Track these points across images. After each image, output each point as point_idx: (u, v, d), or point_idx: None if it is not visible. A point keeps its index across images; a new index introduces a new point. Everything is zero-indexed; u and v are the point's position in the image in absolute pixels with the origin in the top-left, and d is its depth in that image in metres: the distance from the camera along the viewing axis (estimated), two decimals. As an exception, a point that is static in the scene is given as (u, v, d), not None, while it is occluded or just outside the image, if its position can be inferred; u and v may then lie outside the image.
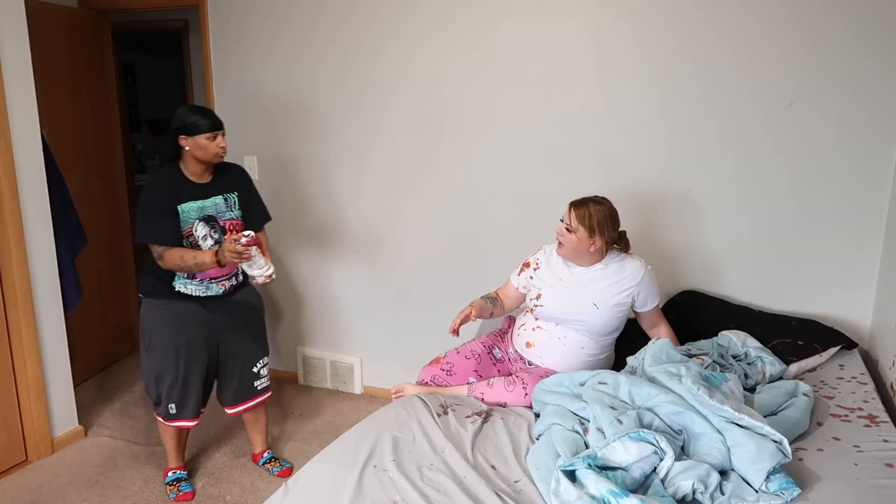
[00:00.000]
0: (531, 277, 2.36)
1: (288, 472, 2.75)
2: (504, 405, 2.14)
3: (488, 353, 2.39)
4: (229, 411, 2.66)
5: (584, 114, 2.74)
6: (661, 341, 2.09)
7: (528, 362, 2.33)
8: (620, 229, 2.25)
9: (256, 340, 2.64)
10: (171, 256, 2.29)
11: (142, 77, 5.95)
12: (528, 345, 2.32)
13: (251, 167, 3.36)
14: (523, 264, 2.42)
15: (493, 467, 1.74)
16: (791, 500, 1.52)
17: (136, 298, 4.03)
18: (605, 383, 1.91)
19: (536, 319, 2.32)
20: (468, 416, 2.00)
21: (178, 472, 2.66)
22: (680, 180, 2.65)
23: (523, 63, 2.79)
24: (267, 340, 2.73)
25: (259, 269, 2.23)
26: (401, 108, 3.05)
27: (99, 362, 3.73)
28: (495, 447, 1.84)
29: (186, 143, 2.31)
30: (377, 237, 3.24)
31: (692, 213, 2.65)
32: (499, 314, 2.48)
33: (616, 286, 2.22)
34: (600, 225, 2.16)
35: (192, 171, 2.39)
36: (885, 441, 1.77)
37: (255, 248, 2.17)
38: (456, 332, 2.31)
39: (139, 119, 5.99)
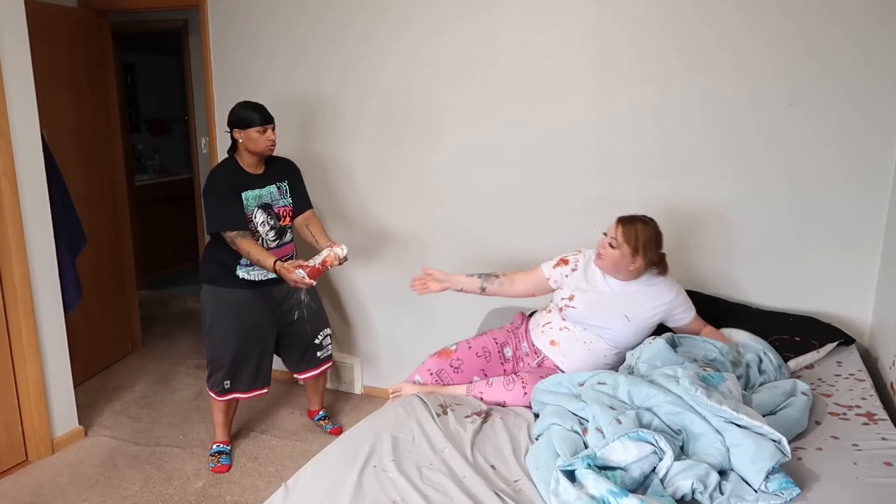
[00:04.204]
0: (566, 276, 2.33)
1: (339, 431, 3.01)
2: (503, 404, 2.14)
3: (499, 352, 2.36)
4: (299, 377, 2.99)
5: (583, 117, 2.74)
6: (656, 343, 2.08)
7: (543, 358, 2.30)
8: (661, 251, 2.24)
9: (316, 314, 2.89)
10: (242, 246, 2.51)
11: (142, 77, 5.95)
12: (552, 343, 2.29)
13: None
14: (561, 260, 2.37)
15: (492, 467, 1.74)
16: (790, 499, 1.52)
17: (136, 298, 4.06)
18: (604, 383, 1.91)
19: (564, 320, 2.29)
20: (468, 416, 2.01)
21: (222, 445, 2.86)
22: (679, 181, 2.65)
23: (523, 67, 2.79)
24: (325, 313, 2.98)
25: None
26: (402, 109, 3.05)
27: (99, 362, 3.73)
28: (495, 447, 1.84)
29: (240, 135, 2.55)
30: (377, 237, 3.24)
31: (691, 214, 2.65)
32: (496, 293, 2.42)
33: (649, 303, 2.22)
34: (645, 246, 2.15)
35: (248, 163, 2.62)
36: (884, 439, 1.77)
37: (301, 271, 2.43)
38: (417, 285, 2.45)
39: (139, 119, 5.98)
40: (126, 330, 3.96)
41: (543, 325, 2.34)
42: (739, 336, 2.30)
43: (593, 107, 2.72)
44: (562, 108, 2.77)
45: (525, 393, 2.12)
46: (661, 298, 2.23)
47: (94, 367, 3.69)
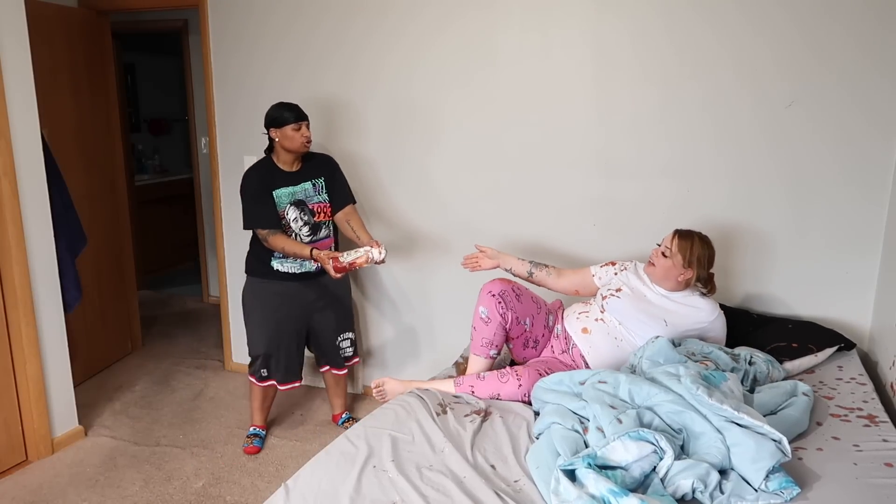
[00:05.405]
0: (616, 273, 2.41)
1: None
2: (498, 397, 2.14)
3: (546, 314, 2.38)
4: (322, 370, 3.06)
5: (584, 116, 2.74)
6: (658, 342, 2.09)
7: (572, 346, 2.30)
8: (711, 271, 2.28)
9: (342, 316, 2.96)
10: (275, 243, 2.62)
11: (142, 77, 5.95)
12: (584, 330, 2.30)
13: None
14: (609, 262, 2.47)
15: (492, 467, 1.74)
16: (790, 499, 1.52)
17: (136, 298, 4.07)
18: (605, 382, 1.91)
19: (602, 311, 2.32)
20: (467, 415, 2.00)
21: (257, 429, 3.00)
22: (679, 181, 2.65)
23: (522, 67, 2.79)
24: (352, 316, 3.05)
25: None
26: (402, 109, 3.05)
27: (99, 362, 3.73)
28: (495, 446, 1.84)
29: (276, 134, 2.62)
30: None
31: (690, 216, 2.64)
32: (541, 282, 2.48)
33: (692, 316, 2.25)
34: (699, 260, 2.22)
35: (283, 161, 2.69)
36: (885, 441, 1.77)
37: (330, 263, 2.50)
38: (469, 263, 2.53)
39: (139, 119, 5.98)
40: (126, 330, 3.96)
41: (579, 313, 2.36)
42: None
43: (594, 106, 2.72)
44: (562, 108, 2.77)
45: (520, 385, 2.12)
46: (701, 316, 2.26)
47: (94, 367, 3.69)
